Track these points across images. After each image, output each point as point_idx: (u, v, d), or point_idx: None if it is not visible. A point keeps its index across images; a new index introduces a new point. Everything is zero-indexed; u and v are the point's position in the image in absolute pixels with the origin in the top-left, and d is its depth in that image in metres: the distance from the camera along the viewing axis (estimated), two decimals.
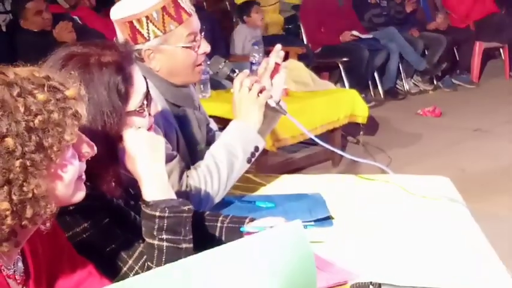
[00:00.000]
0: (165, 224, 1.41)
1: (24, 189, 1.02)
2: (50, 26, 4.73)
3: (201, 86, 4.21)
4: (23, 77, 1.06)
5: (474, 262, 1.60)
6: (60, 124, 1.06)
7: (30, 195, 1.03)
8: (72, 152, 1.11)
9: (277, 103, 1.96)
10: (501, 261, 1.62)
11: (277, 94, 1.98)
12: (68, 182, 1.11)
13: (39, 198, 1.04)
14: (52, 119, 1.05)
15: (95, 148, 1.17)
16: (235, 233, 1.64)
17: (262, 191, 2.14)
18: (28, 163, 1.02)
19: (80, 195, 1.16)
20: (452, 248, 1.67)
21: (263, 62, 2.02)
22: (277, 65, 1.98)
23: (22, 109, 1.02)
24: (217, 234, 1.68)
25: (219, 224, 1.69)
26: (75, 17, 5.10)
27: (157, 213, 1.41)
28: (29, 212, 1.03)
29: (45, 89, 1.06)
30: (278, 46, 2.02)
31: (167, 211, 1.41)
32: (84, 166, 1.16)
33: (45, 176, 1.05)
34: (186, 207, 1.44)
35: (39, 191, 1.04)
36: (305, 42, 7.00)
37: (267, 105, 1.93)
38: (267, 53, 4.57)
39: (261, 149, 1.94)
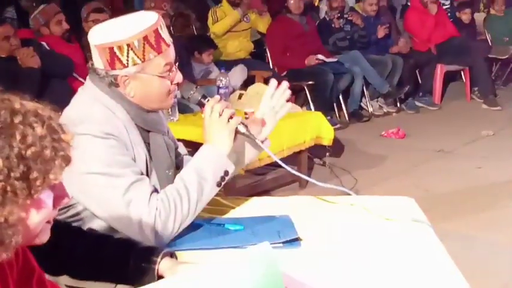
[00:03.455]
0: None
1: None
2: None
3: (169, 110, 4.23)
4: (28, 109, 1.10)
5: (439, 282, 1.62)
6: (50, 162, 1.08)
7: (1, 219, 1.04)
8: (50, 193, 1.13)
9: (247, 129, 2.00)
10: (466, 281, 1.64)
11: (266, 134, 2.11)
12: (39, 220, 1.12)
13: (8, 226, 1.05)
14: (44, 155, 1.08)
15: (71, 197, 1.20)
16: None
17: (231, 213, 2.15)
18: (9, 188, 1.04)
19: (45, 238, 1.17)
20: (418, 268, 1.70)
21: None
22: None
23: (19, 137, 1.05)
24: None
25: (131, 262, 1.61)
26: (43, 43, 5.08)
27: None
28: None
29: (45, 126, 1.09)
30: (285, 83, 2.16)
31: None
32: (55, 213, 1.18)
33: (20, 206, 1.06)
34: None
35: (11, 218, 1.05)
36: (271, 66, 7.09)
37: (237, 131, 1.97)
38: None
39: (230, 173, 1.96)
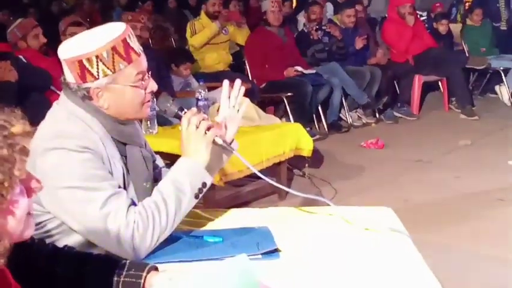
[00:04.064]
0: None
1: None
2: None
3: (148, 123, 4.23)
4: None
5: None
6: (10, 160, 1.07)
7: None
8: (21, 188, 1.12)
9: (225, 141, 2.00)
10: None
11: (231, 135, 2.08)
12: (19, 218, 1.12)
13: None
14: (1, 155, 1.06)
15: (43, 184, 1.19)
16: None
17: (210, 225, 2.15)
18: None
19: (30, 231, 1.17)
20: (396, 279, 1.70)
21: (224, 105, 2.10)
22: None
23: None
24: None
25: (115, 278, 1.60)
26: (20, 56, 5.06)
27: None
28: None
29: None
30: (238, 81, 2.13)
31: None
32: (32, 202, 1.17)
33: None
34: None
35: None
36: (250, 78, 7.09)
37: (214, 143, 1.97)
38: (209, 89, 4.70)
39: (208, 184, 1.96)
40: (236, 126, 2.11)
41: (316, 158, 5.56)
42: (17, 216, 1.11)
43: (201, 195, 1.95)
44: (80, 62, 1.85)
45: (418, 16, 8.43)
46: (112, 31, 1.88)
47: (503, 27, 9.47)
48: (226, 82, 2.12)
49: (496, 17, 9.39)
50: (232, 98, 2.11)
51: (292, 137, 4.81)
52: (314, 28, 7.56)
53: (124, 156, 1.97)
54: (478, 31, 9.00)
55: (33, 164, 1.71)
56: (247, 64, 7.35)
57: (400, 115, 7.83)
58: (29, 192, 1.15)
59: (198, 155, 1.94)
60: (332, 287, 1.66)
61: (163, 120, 4.50)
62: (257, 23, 7.49)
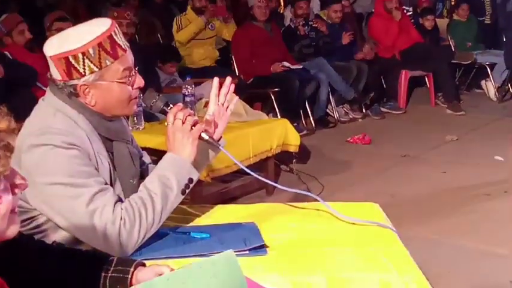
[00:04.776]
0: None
1: None
2: None
3: (135, 118, 4.22)
4: None
5: (404, 287, 1.64)
6: None
7: None
8: (5, 184, 1.11)
9: (211, 137, 2.00)
10: (430, 285, 1.66)
11: (219, 132, 2.08)
12: (2, 214, 1.11)
13: None
14: None
15: (28, 181, 1.17)
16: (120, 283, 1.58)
17: (197, 221, 2.14)
18: None
19: (14, 229, 1.16)
20: (382, 274, 1.71)
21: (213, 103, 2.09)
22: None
23: None
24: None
25: (103, 274, 1.60)
26: (5, 52, 5.03)
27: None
28: None
29: None
30: (228, 79, 2.12)
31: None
32: (17, 199, 1.16)
33: None
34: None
35: None
36: (237, 73, 7.08)
37: (200, 138, 1.96)
38: (195, 85, 4.68)
39: (195, 180, 1.96)
40: (224, 123, 2.11)
41: (304, 154, 5.57)
42: (0, 212, 1.10)
43: (187, 191, 1.95)
44: (66, 59, 1.84)
45: (405, 11, 8.44)
46: (98, 27, 1.87)
47: (488, 21, 9.51)
48: (216, 79, 2.12)
49: (480, 11, 9.43)
50: (221, 95, 2.11)
51: (280, 133, 4.82)
52: (301, 23, 7.55)
53: (111, 152, 1.97)
54: (464, 26, 9.03)
55: (18, 161, 1.72)
56: (233, 59, 7.33)
57: (386, 110, 7.85)
58: (13, 189, 1.14)
59: (184, 150, 1.93)
60: (319, 282, 1.67)
61: (150, 116, 4.48)
62: (244, 18, 7.48)
